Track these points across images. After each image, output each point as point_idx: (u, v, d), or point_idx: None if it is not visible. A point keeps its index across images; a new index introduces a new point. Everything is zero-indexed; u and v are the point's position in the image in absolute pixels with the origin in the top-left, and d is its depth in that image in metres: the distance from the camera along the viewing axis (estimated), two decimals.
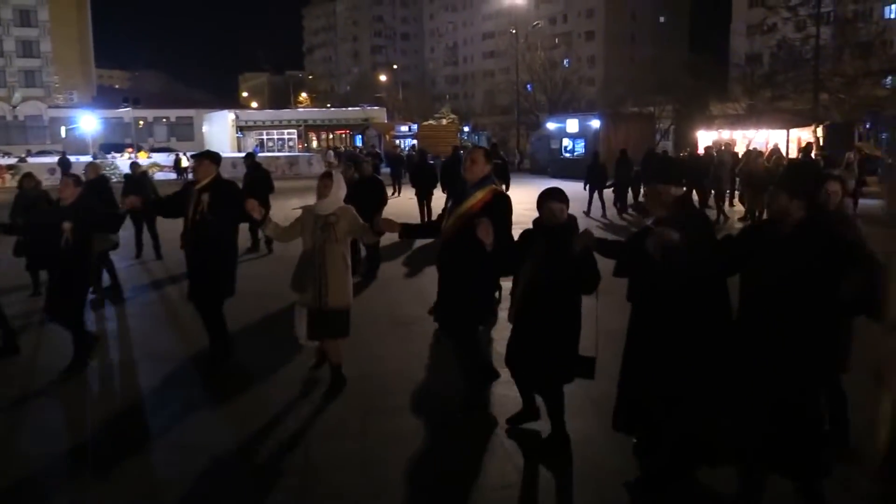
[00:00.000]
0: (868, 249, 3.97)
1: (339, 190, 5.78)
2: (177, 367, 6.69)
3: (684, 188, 4.34)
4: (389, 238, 7.25)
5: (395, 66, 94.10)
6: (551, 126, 37.47)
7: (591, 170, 18.33)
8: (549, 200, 4.54)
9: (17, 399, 5.97)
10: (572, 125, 35.48)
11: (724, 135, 28.84)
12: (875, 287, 3.33)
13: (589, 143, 32.61)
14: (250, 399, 5.87)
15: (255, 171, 14.36)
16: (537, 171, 36.15)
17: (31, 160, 42.12)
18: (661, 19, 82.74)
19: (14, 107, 49.93)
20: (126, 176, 13.53)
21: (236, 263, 6.60)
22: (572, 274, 4.37)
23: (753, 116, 32.45)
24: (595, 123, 33.85)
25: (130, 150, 48.47)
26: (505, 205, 5.10)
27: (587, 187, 18.13)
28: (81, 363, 6.49)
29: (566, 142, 35.47)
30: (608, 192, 18.36)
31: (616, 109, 44.08)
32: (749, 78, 37.15)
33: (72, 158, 38.35)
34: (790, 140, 27.11)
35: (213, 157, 6.46)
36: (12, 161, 41.66)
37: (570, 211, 4.66)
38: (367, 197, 9.88)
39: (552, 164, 34.28)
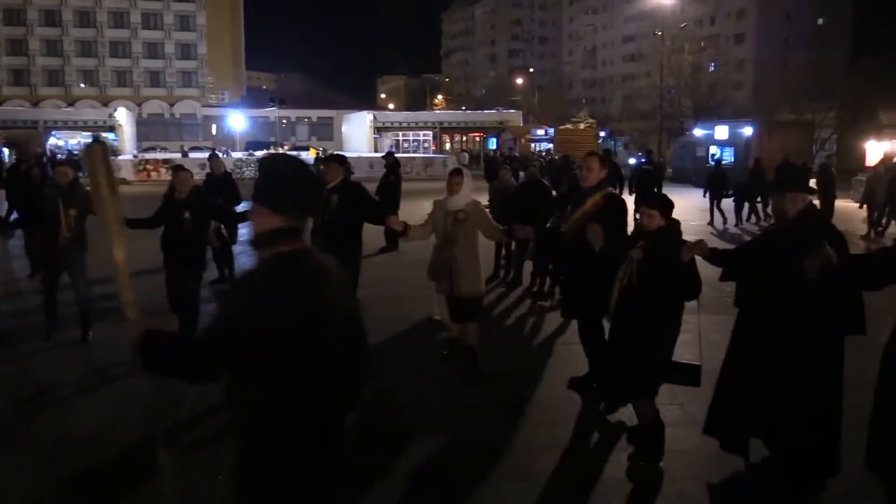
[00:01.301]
0: None
1: (469, 187, 6.16)
2: None
3: (810, 197, 4.28)
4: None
5: (531, 70, 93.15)
6: (698, 132, 35.45)
7: (711, 179, 18.21)
8: (643, 206, 4.72)
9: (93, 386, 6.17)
10: (721, 132, 33.37)
11: None
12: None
13: (740, 152, 30.53)
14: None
15: (392, 172, 14.05)
16: (680, 179, 34.16)
17: (179, 155, 44.42)
18: (820, 21, 77.13)
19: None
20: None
21: (360, 258, 6.93)
22: (669, 278, 4.42)
23: None
24: (747, 131, 31.66)
25: (274, 147, 50.26)
26: (618, 208, 5.36)
27: (706, 195, 18.06)
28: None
29: (713, 150, 33.40)
30: (728, 202, 18.04)
31: (770, 116, 41.21)
32: None
33: (220, 154, 40.22)
34: None
35: (341, 161, 6.89)
36: (168, 156, 44.05)
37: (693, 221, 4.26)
38: (532, 200, 9.40)
39: (697, 172, 32.32)
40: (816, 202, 4.42)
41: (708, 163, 33.01)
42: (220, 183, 10.30)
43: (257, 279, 2.38)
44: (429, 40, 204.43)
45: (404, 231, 6.12)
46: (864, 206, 15.81)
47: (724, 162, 31.57)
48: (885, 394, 3.71)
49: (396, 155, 17.04)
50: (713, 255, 4.52)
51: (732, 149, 31.65)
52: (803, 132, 34.07)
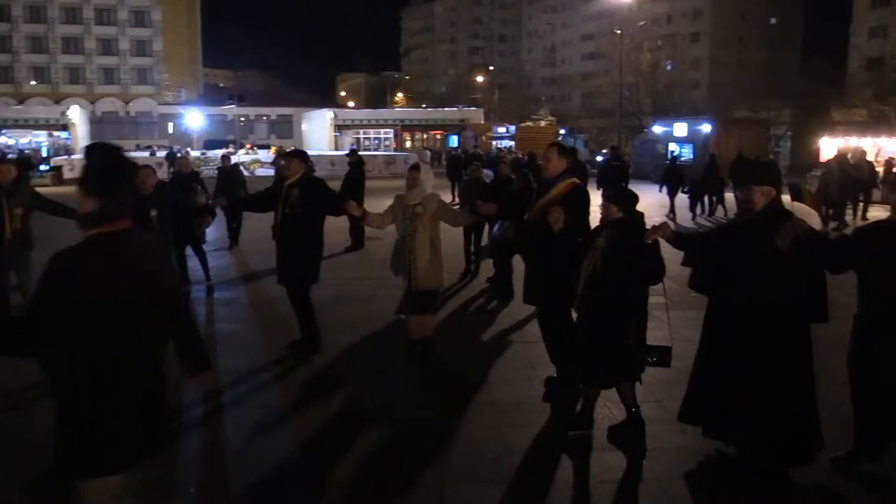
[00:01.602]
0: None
1: (427, 181, 6.23)
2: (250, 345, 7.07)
3: (774, 190, 4.46)
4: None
5: (491, 68, 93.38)
6: (657, 130, 35.86)
7: (667, 174, 19.00)
8: (604, 200, 4.96)
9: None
10: (680, 129, 33.79)
11: (851, 142, 26.64)
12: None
13: (699, 149, 30.96)
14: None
15: (356, 170, 13.92)
16: (640, 175, 34.51)
17: (142, 154, 43.53)
18: (773, 20, 78.75)
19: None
20: (218, 169, 14.20)
21: (321, 253, 6.87)
22: (632, 265, 4.64)
23: (883, 123, 29.96)
24: (705, 128, 32.11)
25: (230, 147, 49.59)
26: (582, 197, 5.45)
27: (662, 189, 18.85)
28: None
29: (673, 146, 33.80)
30: (683, 197, 18.74)
31: (728, 114, 41.86)
32: (878, 82, 34.36)
33: (178, 153, 39.48)
34: None
35: (302, 156, 6.93)
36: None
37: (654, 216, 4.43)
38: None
39: (656, 169, 32.69)
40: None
41: (667, 160, 33.53)
42: (188, 181, 10.41)
43: (58, 257, 2.66)
44: (388, 37, 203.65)
45: (362, 216, 6.41)
46: (817, 200, 16.03)
47: (683, 158, 32.25)
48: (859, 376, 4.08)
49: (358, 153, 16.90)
50: (676, 239, 4.70)
51: (691, 145, 32.08)
52: (759, 129, 34.68)
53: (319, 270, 6.84)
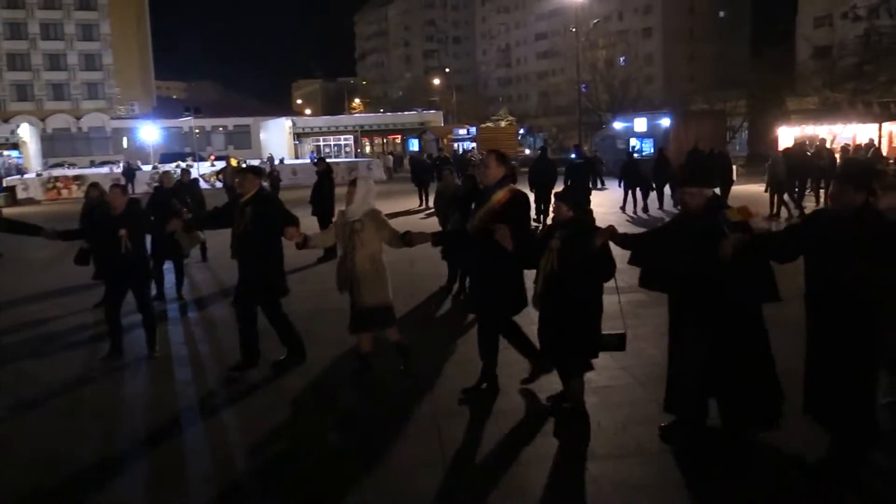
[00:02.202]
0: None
1: (366, 196, 6.16)
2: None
3: (712, 190, 4.76)
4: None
5: (447, 70, 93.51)
6: (617, 126, 36.17)
7: (624, 169, 19.23)
8: (557, 201, 5.16)
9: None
10: (640, 124, 34.13)
11: (808, 131, 27.23)
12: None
13: (658, 143, 31.29)
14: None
15: (324, 179, 13.70)
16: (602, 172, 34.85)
17: (94, 171, 42.58)
18: (721, 14, 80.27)
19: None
20: (177, 182, 13.57)
21: (282, 266, 6.80)
22: (585, 264, 4.86)
23: (835, 111, 30.60)
24: (665, 122, 32.48)
25: (189, 159, 48.80)
26: (523, 203, 5.54)
27: (621, 185, 19.21)
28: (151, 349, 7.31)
29: (634, 142, 34.13)
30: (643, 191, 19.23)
31: (685, 107, 42.43)
32: (829, 70, 35.09)
33: (134, 168, 38.68)
34: (882, 135, 25.38)
35: (256, 171, 6.91)
36: (80, 172, 42.11)
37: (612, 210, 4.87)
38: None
39: (618, 165, 32.95)
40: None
41: (628, 155, 33.83)
42: (169, 195, 10.32)
43: None
44: (342, 43, 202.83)
45: (304, 242, 6.29)
46: (768, 190, 16.45)
47: (642, 153, 32.57)
48: (816, 344, 4.31)
49: (326, 161, 16.67)
50: (623, 240, 5.00)
51: (652, 140, 32.40)
52: (716, 121, 35.20)
53: (285, 281, 6.79)
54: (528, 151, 50.12)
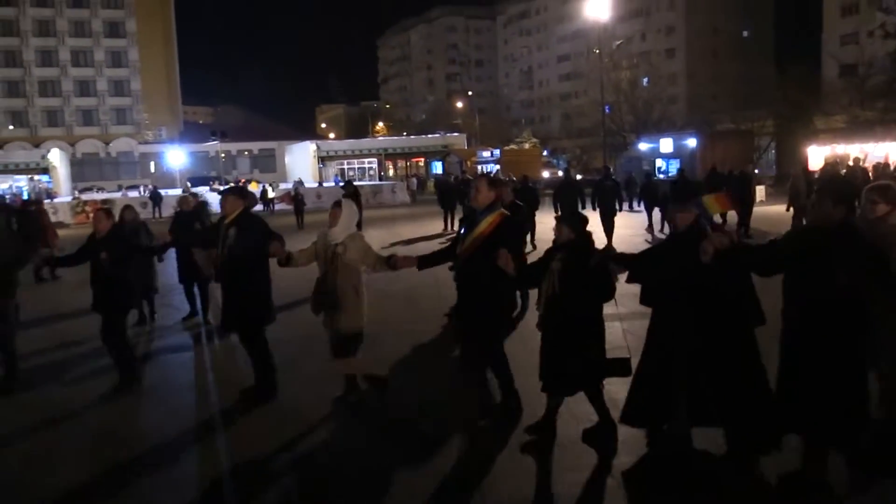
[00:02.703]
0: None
1: (350, 218, 6.08)
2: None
3: (696, 211, 4.84)
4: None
5: (469, 93, 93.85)
6: (643, 146, 36.00)
7: (643, 190, 19.29)
8: (558, 223, 5.26)
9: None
10: (666, 145, 33.96)
11: (838, 150, 26.81)
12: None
13: (685, 163, 31.05)
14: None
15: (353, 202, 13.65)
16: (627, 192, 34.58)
17: (121, 194, 43.04)
18: (745, 33, 79.90)
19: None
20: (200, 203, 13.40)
21: (269, 291, 6.54)
22: (586, 285, 4.96)
23: (865, 129, 30.14)
24: (691, 142, 32.27)
25: (214, 182, 49.22)
26: (514, 227, 5.65)
27: (640, 204, 19.22)
28: (127, 383, 7.01)
29: (660, 163, 33.93)
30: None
31: (711, 127, 42.09)
32: (857, 88, 34.67)
33: (161, 192, 39.09)
34: None
35: (240, 193, 6.74)
36: (108, 196, 42.60)
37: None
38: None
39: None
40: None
41: (654, 176, 33.60)
42: (191, 217, 10.22)
43: None
44: (365, 67, 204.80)
45: (287, 259, 6.17)
46: (791, 208, 16.27)
47: (667, 174, 32.35)
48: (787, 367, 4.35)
49: (341, 184, 16.65)
50: (619, 260, 5.20)
51: (678, 160, 32.17)
52: (744, 141, 34.94)
53: (272, 308, 6.54)
54: (559, 173, 49.74)
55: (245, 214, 6.49)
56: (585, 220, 5.26)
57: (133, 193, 43.05)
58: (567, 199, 17.06)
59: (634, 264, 5.15)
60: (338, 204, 6.15)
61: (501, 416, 5.68)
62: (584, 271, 4.94)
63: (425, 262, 6.01)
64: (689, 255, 4.51)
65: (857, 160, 20.16)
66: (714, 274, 4.42)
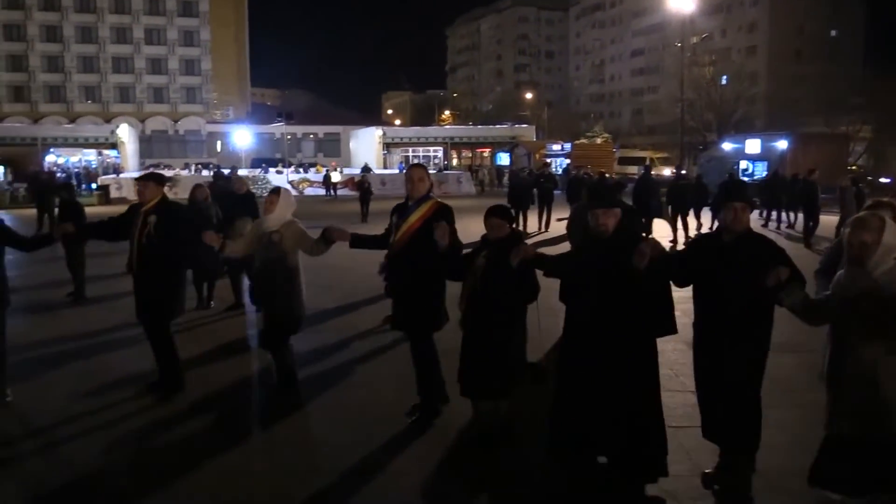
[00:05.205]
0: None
1: (286, 207, 6.08)
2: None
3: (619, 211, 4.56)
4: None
5: (538, 84, 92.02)
6: (727, 146, 33.94)
7: (670, 193, 17.24)
8: (490, 216, 4.97)
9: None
10: (753, 146, 31.91)
11: None
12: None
13: (774, 166, 29.03)
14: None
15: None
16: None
17: (187, 173, 42.83)
18: (833, 33, 75.93)
19: None
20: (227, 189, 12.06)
21: (183, 284, 6.49)
22: (510, 284, 4.77)
23: None
24: (781, 144, 30.16)
25: (280, 164, 48.79)
26: (448, 214, 5.38)
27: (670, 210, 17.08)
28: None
29: (744, 164, 31.88)
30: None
31: (800, 129, 39.63)
32: None
33: (225, 171, 38.63)
34: None
35: (159, 179, 6.43)
36: (171, 173, 42.42)
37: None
38: None
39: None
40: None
41: (738, 177, 31.64)
42: (241, 200, 9.88)
43: None
44: (433, 56, 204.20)
45: (221, 247, 6.16)
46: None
47: (752, 176, 30.39)
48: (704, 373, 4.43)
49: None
50: (538, 260, 4.81)
51: (766, 162, 30.15)
52: (838, 145, 32.65)
53: (183, 301, 6.46)
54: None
55: (165, 201, 6.28)
56: (511, 218, 5.13)
57: (206, 172, 42.63)
58: (646, 196, 16.54)
59: (553, 265, 4.90)
60: (275, 191, 6.19)
61: (422, 415, 5.55)
62: (507, 270, 4.69)
63: (358, 240, 5.80)
64: (615, 261, 4.29)
65: None
66: (635, 283, 4.21)
